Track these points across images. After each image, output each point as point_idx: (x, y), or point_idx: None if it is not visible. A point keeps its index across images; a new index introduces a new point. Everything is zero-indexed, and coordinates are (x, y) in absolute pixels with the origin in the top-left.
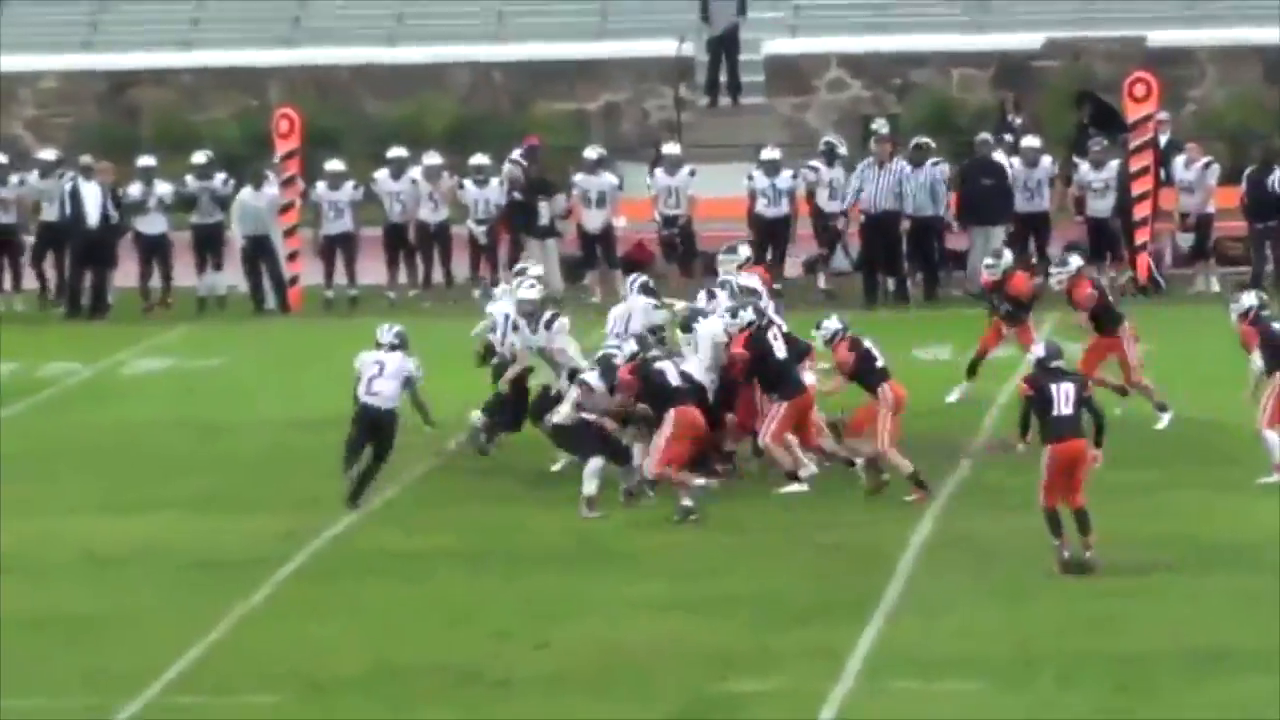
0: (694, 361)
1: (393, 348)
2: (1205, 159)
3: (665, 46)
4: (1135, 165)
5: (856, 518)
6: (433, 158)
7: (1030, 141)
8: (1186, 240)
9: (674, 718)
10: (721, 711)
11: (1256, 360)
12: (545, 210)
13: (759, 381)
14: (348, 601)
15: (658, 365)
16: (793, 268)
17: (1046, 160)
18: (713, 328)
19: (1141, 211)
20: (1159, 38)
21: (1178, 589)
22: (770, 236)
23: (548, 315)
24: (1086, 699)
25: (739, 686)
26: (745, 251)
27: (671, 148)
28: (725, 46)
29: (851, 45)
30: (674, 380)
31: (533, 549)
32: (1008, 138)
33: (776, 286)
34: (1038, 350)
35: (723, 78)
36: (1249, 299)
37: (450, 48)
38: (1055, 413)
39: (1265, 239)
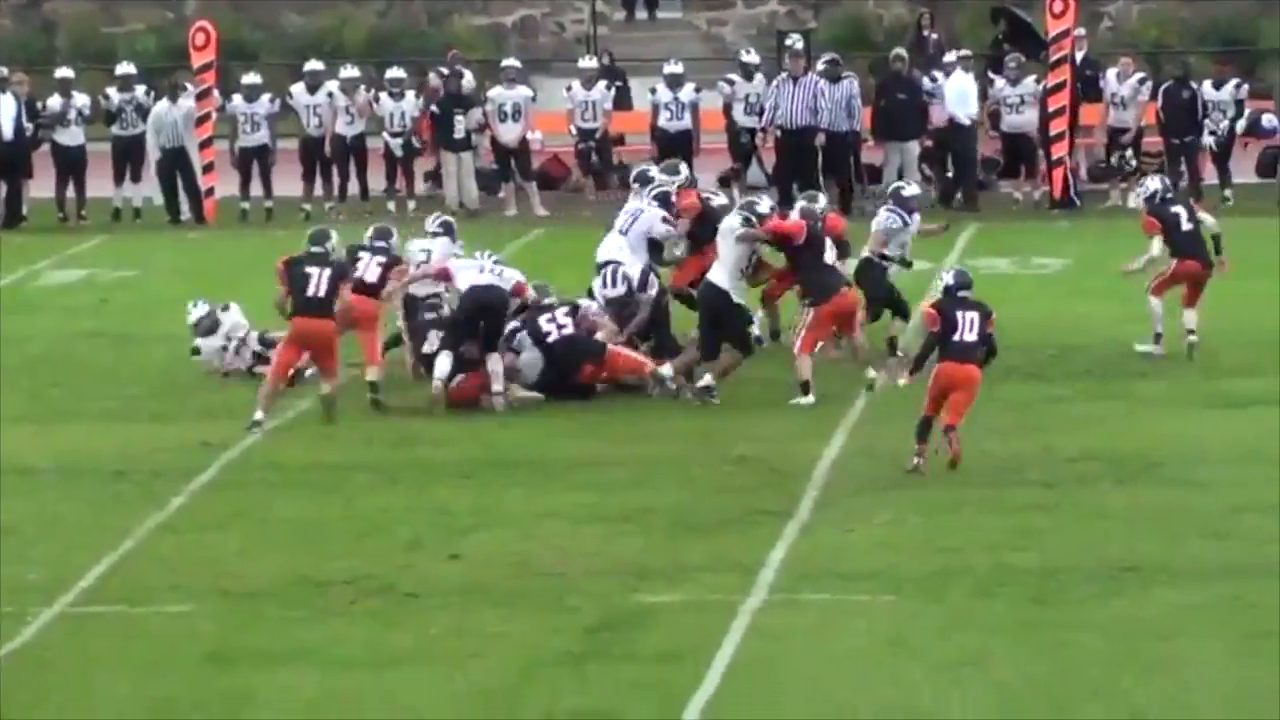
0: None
1: (435, 235)
2: (1139, 74)
3: None
4: (1052, 80)
5: (770, 431)
6: (349, 71)
7: (949, 58)
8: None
9: (587, 628)
10: (633, 623)
11: (1155, 247)
12: (460, 123)
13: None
14: (260, 513)
15: None
16: (705, 182)
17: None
18: (730, 222)
19: (1057, 127)
20: None
21: (1091, 502)
22: (672, 150)
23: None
24: (1001, 611)
25: (651, 598)
26: (685, 171)
27: (589, 62)
28: None
29: None
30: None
31: (445, 461)
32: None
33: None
34: (947, 278)
35: None
36: (1153, 183)
37: None
38: (957, 338)
39: (1181, 154)
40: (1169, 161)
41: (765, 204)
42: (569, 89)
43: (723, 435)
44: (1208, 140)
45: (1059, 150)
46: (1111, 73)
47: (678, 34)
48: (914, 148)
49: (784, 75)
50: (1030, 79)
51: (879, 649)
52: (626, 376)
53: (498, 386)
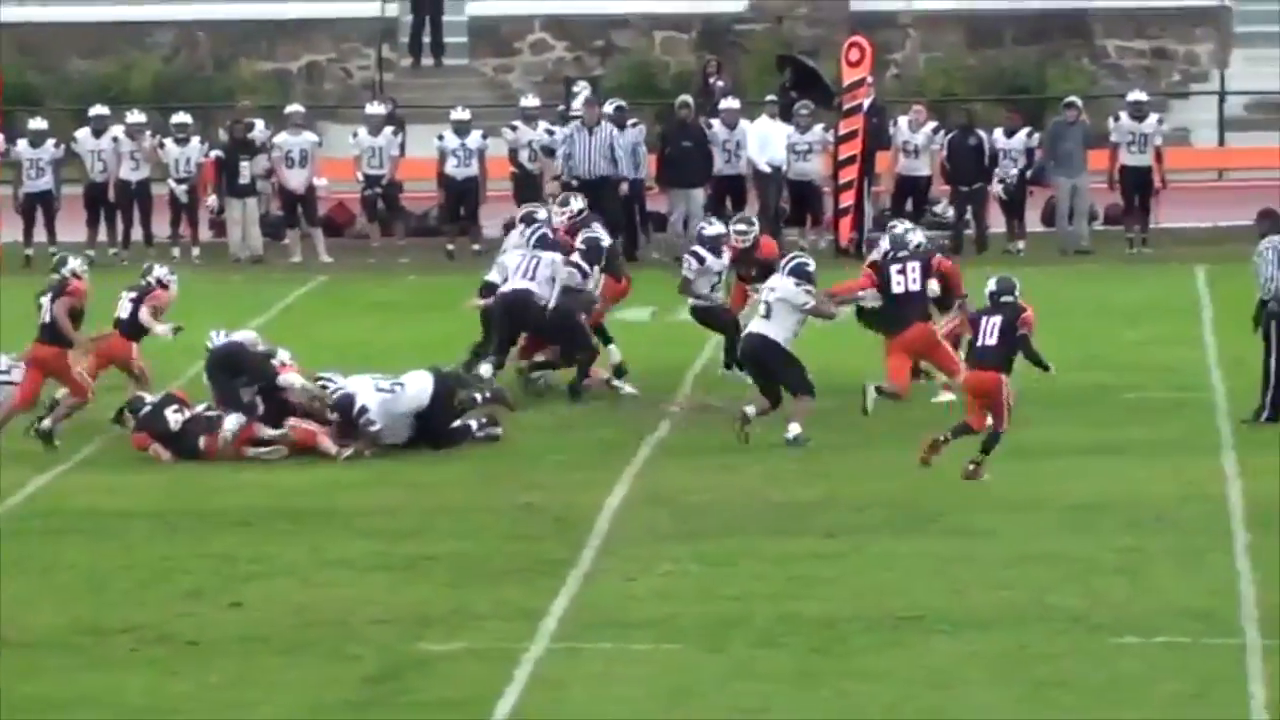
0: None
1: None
2: (932, 122)
3: (369, 7)
4: (844, 129)
5: (554, 479)
6: (135, 116)
7: (730, 104)
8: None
9: (368, 677)
10: (416, 671)
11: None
12: (246, 169)
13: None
14: (41, 559)
15: None
16: (492, 228)
17: (745, 123)
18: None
19: (847, 175)
20: (862, 2)
21: (874, 551)
22: (460, 197)
23: None
24: (782, 660)
25: (434, 646)
26: (577, 204)
27: (375, 108)
28: (429, 7)
29: (554, 7)
30: None
31: (227, 509)
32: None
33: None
34: (990, 283)
35: (426, 38)
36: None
37: (154, 7)
38: (978, 343)
39: (967, 202)
40: (955, 210)
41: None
42: (355, 135)
43: (507, 483)
44: (996, 188)
45: (847, 199)
46: (903, 120)
47: (464, 80)
48: (699, 195)
49: (577, 124)
50: (819, 127)
51: (661, 698)
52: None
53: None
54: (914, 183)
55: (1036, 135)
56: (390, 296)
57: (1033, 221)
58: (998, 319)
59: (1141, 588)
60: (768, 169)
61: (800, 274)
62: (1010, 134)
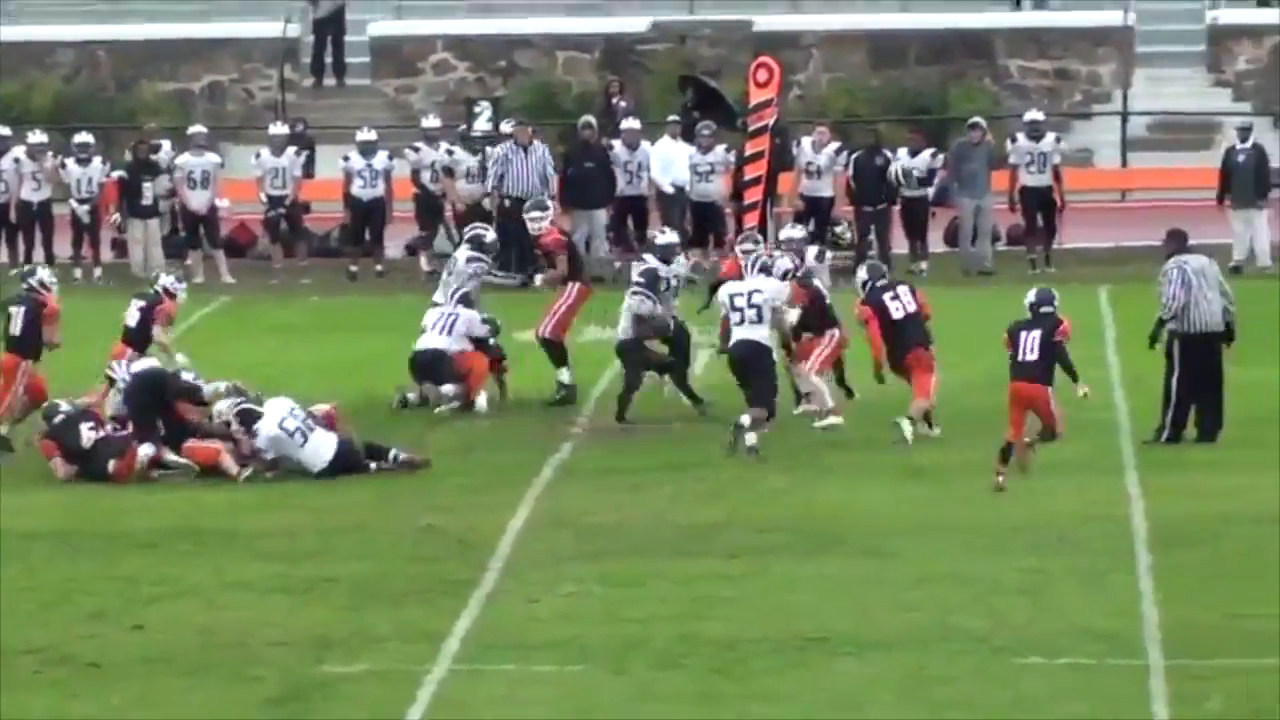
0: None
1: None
2: (835, 143)
3: (271, 27)
4: (750, 149)
5: (457, 500)
6: (36, 136)
7: (631, 125)
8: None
9: (270, 699)
10: (318, 693)
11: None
12: (149, 190)
13: None
14: None
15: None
16: (394, 249)
17: (646, 144)
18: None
19: (752, 196)
20: (765, 22)
21: (777, 573)
22: (366, 217)
23: None
24: (685, 682)
25: (336, 668)
26: (550, 210)
27: (279, 128)
28: (331, 28)
29: (457, 27)
30: None
31: (130, 531)
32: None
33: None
34: (1029, 295)
35: (328, 59)
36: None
37: (55, 27)
38: (1020, 357)
39: (871, 223)
40: (858, 230)
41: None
42: (258, 156)
43: (408, 505)
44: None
45: (751, 220)
46: (806, 141)
47: (366, 101)
48: (602, 216)
49: (510, 144)
50: (720, 147)
51: None
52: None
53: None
54: (816, 204)
55: (940, 156)
56: (292, 318)
57: (935, 242)
58: (1037, 333)
59: (1045, 609)
60: (671, 189)
61: (767, 271)
62: (914, 154)
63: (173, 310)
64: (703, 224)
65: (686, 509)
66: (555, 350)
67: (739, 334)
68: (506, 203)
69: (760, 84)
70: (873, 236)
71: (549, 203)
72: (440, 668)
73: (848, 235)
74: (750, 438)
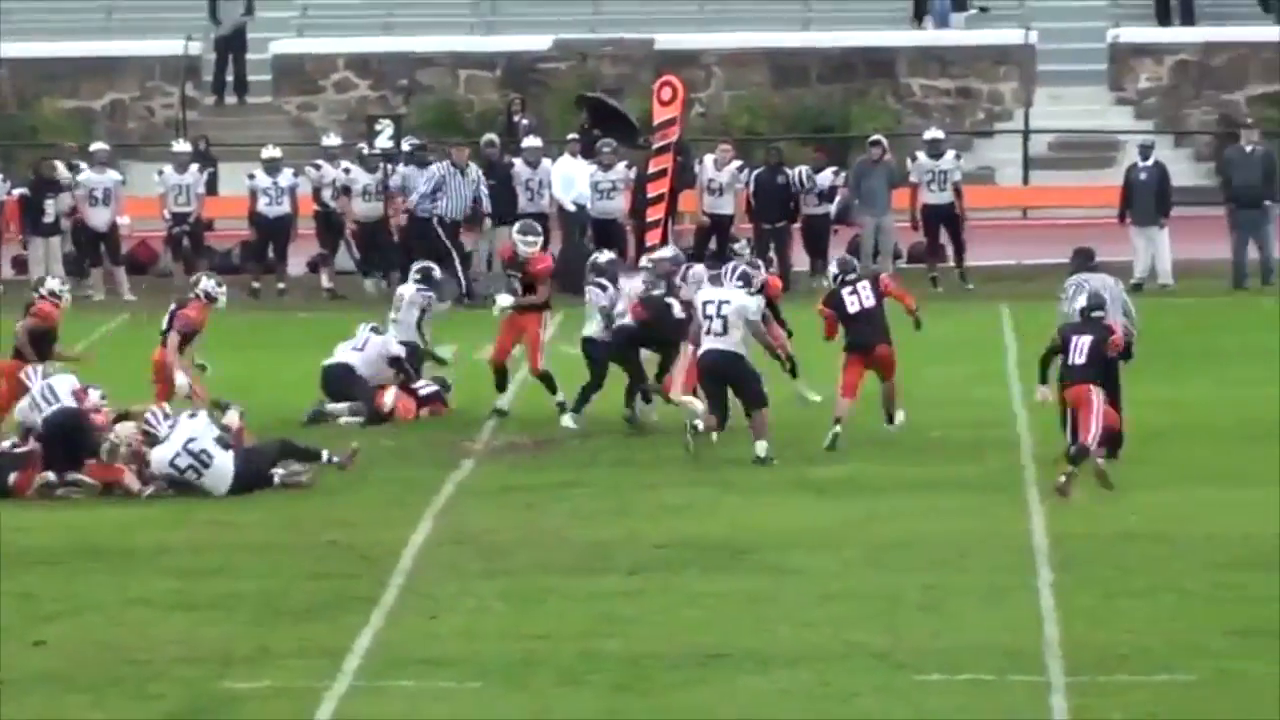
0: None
1: None
2: (737, 161)
3: (173, 45)
4: (655, 167)
5: (359, 516)
6: None
7: (531, 142)
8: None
9: (172, 716)
10: (219, 710)
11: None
12: (51, 208)
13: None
14: None
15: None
16: (295, 266)
17: (547, 162)
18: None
19: (654, 214)
20: (667, 41)
21: (679, 589)
22: (271, 235)
23: None
24: (587, 699)
25: (237, 685)
26: (542, 235)
27: (182, 145)
28: (232, 45)
29: (358, 45)
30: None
31: (30, 547)
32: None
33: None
34: (1080, 299)
35: (230, 77)
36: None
37: None
38: (1070, 361)
39: (771, 240)
40: (758, 247)
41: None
42: (161, 173)
43: (311, 521)
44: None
45: (654, 237)
46: (709, 159)
47: (267, 119)
48: (505, 233)
49: (447, 164)
50: (621, 165)
51: None
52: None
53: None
54: (718, 221)
55: (842, 174)
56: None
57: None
58: (1088, 339)
59: (946, 625)
60: (572, 207)
61: (747, 281)
62: (816, 171)
63: (197, 318)
64: (604, 241)
65: (587, 526)
66: (549, 380)
67: (707, 343)
68: (445, 221)
69: (664, 102)
70: (773, 254)
71: (539, 227)
72: (341, 684)
73: (745, 254)
74: (760, 447)
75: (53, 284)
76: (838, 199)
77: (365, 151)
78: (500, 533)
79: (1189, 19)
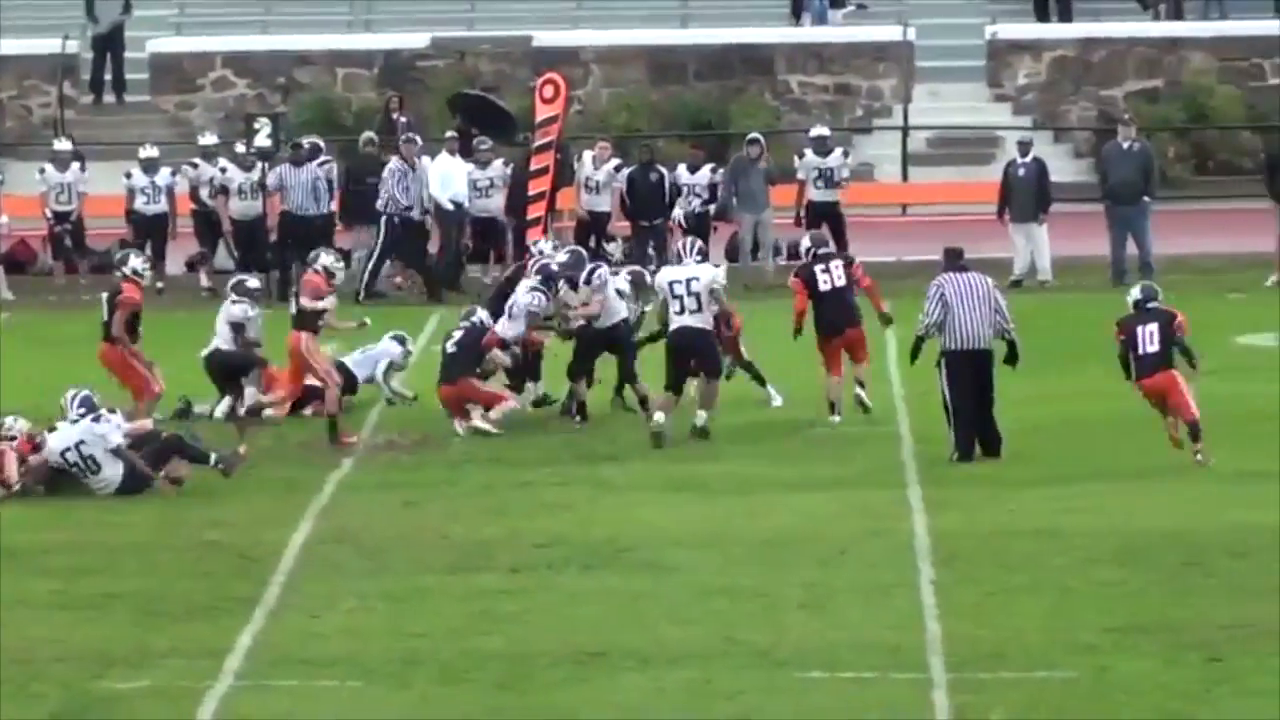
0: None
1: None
2: (616, 159)
3: (49, 44)
4: (536, 164)
5: (239, 516)
6: None
7: (409, 140)
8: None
9: (53, 716)
10: (100, 710)
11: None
12: None
13: None
14: None
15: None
16: (174, 264)
17: (425, 160)
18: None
19: (535, 211)
20: (544, 38)
21: (559, 588)
22: (149, 233)
23: None
24: (468, 697)
25: (117, 685)
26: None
27: (62, 144)
28: (110, 44)
29: (236, 44)
30: None
31: None
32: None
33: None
34: (1134, 292)
35: (108, 76)
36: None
37: None
38: (1140, 352)
39: (649, 237)
40: (637, 245)
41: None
42: (42, 171)
43: (191, 521)
44: (678, 214)
45: (535, 235)
46: (587, 156)
47: (146, 118)
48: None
49: (288, 162)
50: (498, 162)
51: None
52: None
53: None
54: (596, 218)
55: (720, 171)
56: (73, 332)
57: (716, 257)
58: (1154, 326)
59: (827, 622)
60: (450, 206)
61: (705, 255)
62: (693, 169)
63: (321, 286)
64: (484, 239)
65: (467, 524)
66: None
67: (680, 321)
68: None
69: (546, 100)
70: (652, 251)
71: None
72: (223, 684)
73: (617, 254)
74: (701, 417)
75: (135, 262)
76: (718, 196)
77: (239, 150)
78: (381, 531)
79: (1066, 16)
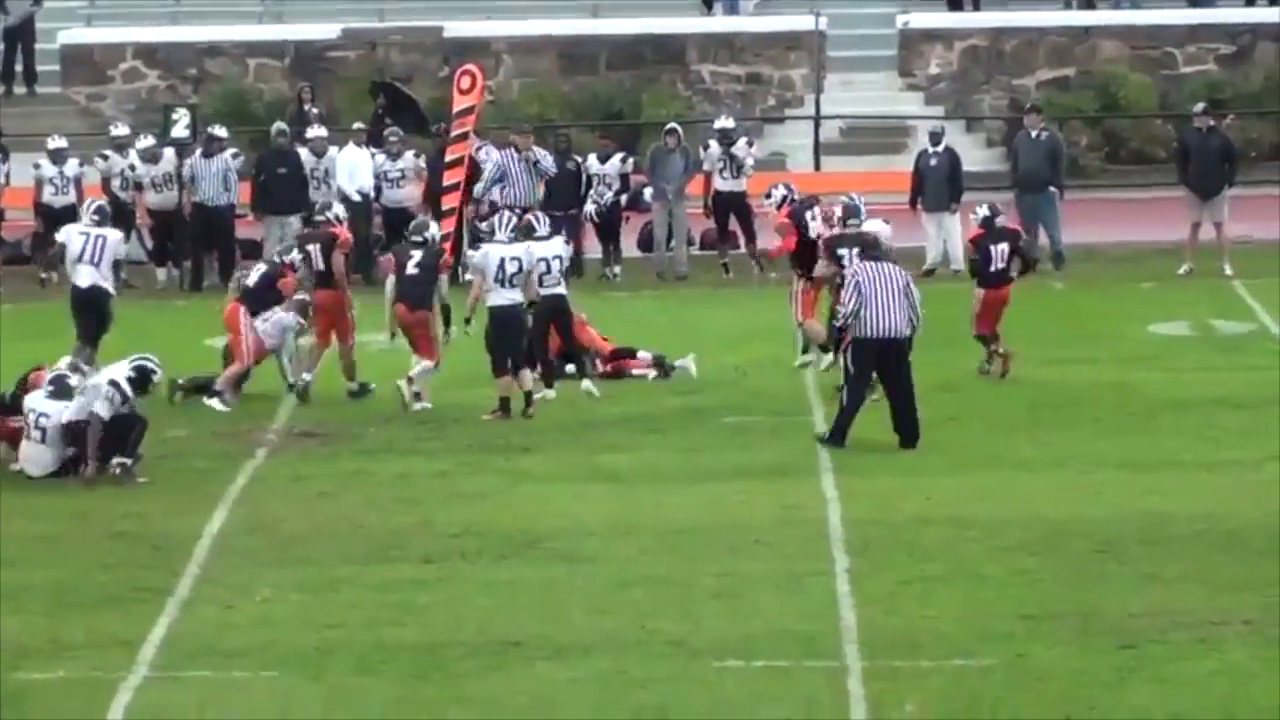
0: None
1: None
2: (543, 151)
3: None
4: (451, 155)
5: (151, 506)
6: None
7: (317, 131)
8: None
9: None
10: (13, 702)
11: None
12: None
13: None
14: None
15: None
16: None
17: (333, 150)
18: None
19: (450, 202)
20: (455, 28)
21: (473, 578)
22: (57, 225)
23: None
24: (382, 687)
25: (32, 675)
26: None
27: None
28: (21, 35)
29: (146, 35)
30: None
31: None
32: (317, 130)
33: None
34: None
35: (18, 67)
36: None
37: None
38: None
39: (562, 226)
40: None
41: None
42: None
43: (102, 512)
44: (590, 209)
45: (448, 225)
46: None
47: (57, 109)
48: (295, 222)
49: (199, 153)
50: (410, 153)
51: None
52: None
53: None
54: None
55: (631, 160)
56: None
57: (629, 247)
58: (1004, 245)
59: (742, 612)
60: (357, 197)
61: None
62: (604, 159)
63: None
64: (395, 231)
65: (380, 514)
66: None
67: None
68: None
69: (463, 91)
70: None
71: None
72: (136, 675)
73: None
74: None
75: (338, 209)
76: (631, 187)
77: (141, 144)
78: (294, 522)
79: (977, 4)
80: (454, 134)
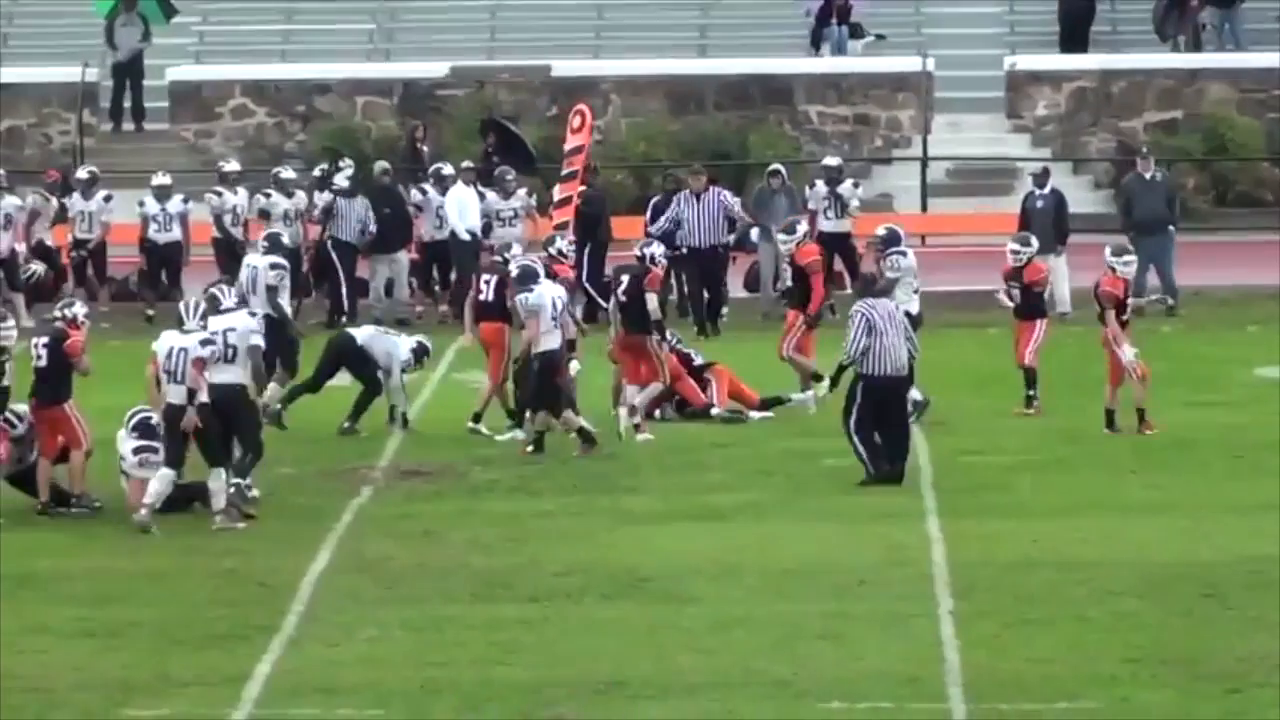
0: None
1: None
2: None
3: (69, 72)
4: (560, 194)
5: (256, 545)
6: None
7: (442, 169)
8: None
9: None
10: None
11: None
12: None
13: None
14: None
15: None
16: (195, 293)
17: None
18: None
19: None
20: (563, 67)
21: (578, 617)
22: (162, 261)
23: None
24: None
25: (138, 713)
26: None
27: (83, 172)
28: (129, 72)
29: (255, 73)
30: None
31: None
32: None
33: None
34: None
35: (127, 103)
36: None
37: None
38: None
39: (672, 267)
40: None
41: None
42: (67, 198)
43: (210, 549)
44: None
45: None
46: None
47: (164, 145)
48: (403, 258)
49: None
50: (522, 191)
51: None
52: None
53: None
54: None
55: (738, 201)
56: (94, 361)
57: (735, 287)
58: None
59: (846, 653)
60: (467, 236)
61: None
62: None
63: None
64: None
65: (486, 553)
66: None
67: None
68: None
69: (575, 130)
70: (673, 280)
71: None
72: (242, 712)
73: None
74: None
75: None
76: (738, 227)
77: (281, 176)
78: (399, 560)
79: (1083, 47)
80: (565, 172)
